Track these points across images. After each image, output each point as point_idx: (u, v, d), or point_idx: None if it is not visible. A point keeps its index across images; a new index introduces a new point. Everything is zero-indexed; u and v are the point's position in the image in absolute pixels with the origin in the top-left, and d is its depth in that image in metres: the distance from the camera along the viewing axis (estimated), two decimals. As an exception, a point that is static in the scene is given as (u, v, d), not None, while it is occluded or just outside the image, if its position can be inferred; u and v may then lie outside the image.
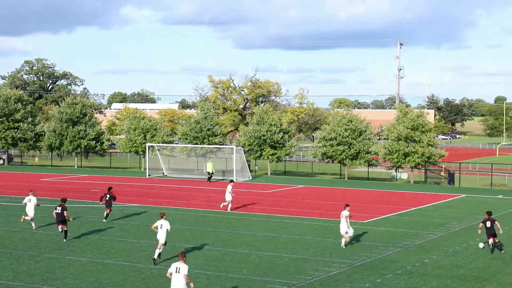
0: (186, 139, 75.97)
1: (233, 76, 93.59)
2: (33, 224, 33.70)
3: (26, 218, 33.63)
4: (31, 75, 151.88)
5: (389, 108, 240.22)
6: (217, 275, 24.40)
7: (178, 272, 19.76)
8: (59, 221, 30.79)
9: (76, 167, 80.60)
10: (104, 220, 35.98)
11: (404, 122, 67.28)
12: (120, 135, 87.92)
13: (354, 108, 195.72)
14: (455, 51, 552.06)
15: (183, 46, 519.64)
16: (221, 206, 41.27)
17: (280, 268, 25.68)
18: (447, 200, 50.40)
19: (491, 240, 29.35)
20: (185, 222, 36.71)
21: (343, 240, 30.21)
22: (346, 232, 30.09)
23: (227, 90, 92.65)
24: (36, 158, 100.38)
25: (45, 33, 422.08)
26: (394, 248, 30.19)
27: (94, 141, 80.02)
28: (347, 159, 69.89)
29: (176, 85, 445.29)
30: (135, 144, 77.59)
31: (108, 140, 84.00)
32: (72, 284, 22.67)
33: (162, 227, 26.53)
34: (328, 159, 72.41)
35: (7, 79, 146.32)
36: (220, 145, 75.74)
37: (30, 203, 33.90)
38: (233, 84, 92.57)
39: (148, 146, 70.01)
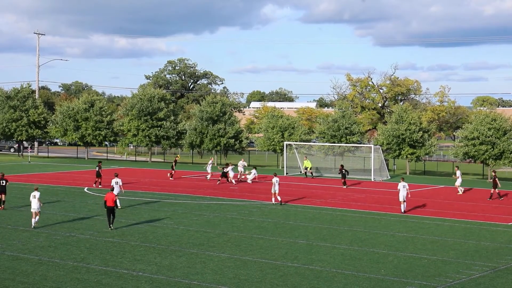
0: (324, 137, 75.98)
1: (371, 74, 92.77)
2: None
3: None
4: (173, 75, 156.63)
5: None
6: (355, 274, 24.20)
7: (404, 187, 39.91)
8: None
9: (215, 164, 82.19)
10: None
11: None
12: (258, 133, 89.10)
13: (498, 107, 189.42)
14: None
15: (322, 45, 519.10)
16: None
17: (420, 270, 25.15)
18: None
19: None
20: (322, 221, 36.67)
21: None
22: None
23: (365, 89, 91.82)
24: (178, 155, 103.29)
25: (188, 33, 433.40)
26: (541, 253, 28.87)
27: (233, 139, 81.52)
28: (490, 159, 67.67)
29: (314, 84, 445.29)
30: (273, 143, 78.42)
31: (247, 138, 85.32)
32: (212, 279, 23.12)
33: None
34: (470, 159, 70.38)
35: (151, 78, 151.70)
36: (358, 144, 75.19)
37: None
38: (372, 82, 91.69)
39: (286, 144, 70.51)
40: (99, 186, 50.33)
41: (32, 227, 32.56)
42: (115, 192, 38.74)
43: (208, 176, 59.72)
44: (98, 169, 51.30)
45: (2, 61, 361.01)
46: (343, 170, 56.92)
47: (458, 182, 52.49)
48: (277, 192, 43.12)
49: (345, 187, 55.32)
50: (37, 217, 33.04)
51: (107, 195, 32.87)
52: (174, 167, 61.04)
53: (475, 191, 54.81)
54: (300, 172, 68.11)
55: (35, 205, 32.99)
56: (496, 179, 48.50)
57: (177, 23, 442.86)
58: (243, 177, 58.51)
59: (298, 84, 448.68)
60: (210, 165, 60.88)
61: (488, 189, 54.50)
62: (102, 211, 38.27)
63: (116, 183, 40.08)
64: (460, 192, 51.90)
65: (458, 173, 52.90)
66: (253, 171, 57.88)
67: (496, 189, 48.53)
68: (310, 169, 63.61)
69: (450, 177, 71.87)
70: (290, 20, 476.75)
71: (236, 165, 59.57)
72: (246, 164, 60.88)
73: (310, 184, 57.45)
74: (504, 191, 51.81)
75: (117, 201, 37.60)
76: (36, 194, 33.30)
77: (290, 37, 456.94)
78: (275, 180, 43.01)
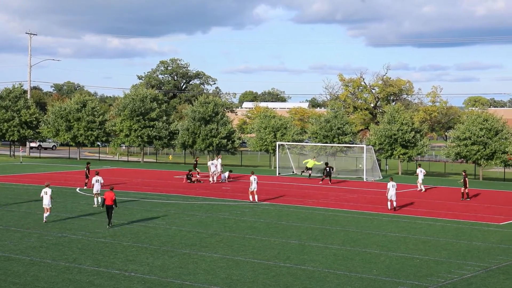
0: (316, 138, 76.02)
1: (364, 74, 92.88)
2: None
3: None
4: (166, 75, 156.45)
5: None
6: (347, 274, 24.22)
7: (394, 187, 40.77)
8: None
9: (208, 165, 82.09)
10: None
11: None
12: (250, 133, 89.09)
13: (489, 107, 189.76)
14: None
15: (315, 45, 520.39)
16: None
17: (412, 270, 25.18)
18: None
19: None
20: (315, 221, 36.68)
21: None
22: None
23: (358, 89, 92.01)
24: (170, 156, 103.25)
25: (181, 34, 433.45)
26: (532, 252, 28.94)
27: (226, 140, 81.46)
28: (482, 159, 67.83)
29: (306, 84, 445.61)
30: (265, 143, 78.40)
31: (239, 138, 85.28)
32: (204, 280, 23.10)
33: None
34: (462, 159, 70.56)
35: (143, 79, 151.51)
36: (350, 144, 75.27)
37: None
38: (364, 82, 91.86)
39: (278, 144, 70.52)
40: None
41: (44, 222, 33.97)
42: (95, 190, 40.03)
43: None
44: (87, 170, 51.19)
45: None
46: (327, 169, 58.16)
47: (420, 179, 52.92)
48: (255, 190, 43.83)
49: (330, 184, 56.75)
50: (48, 212, 34.25)
51: (106, 194, 33.39)
52: (196, 168, 61.34)
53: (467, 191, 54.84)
54: (293, 172, 68.14)
55: (46, 201, 34.14)
56: (466, 179, 48.63)
57: (169, 23, 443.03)
58: (216, 176, 57.44)
59: (291, 85, 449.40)
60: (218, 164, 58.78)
61: (479, 189, 54.77)
62: (94, 211, 38.26)
63: (97, 181, 40.23)
64: (419, 189, 52.77)
65: (418, 170, 53.49)
66: (225, 173, 58.53)
67: (466, 189, 48.45)
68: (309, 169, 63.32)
69: (442, 177, 72.10)
70: (282, 20, 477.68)
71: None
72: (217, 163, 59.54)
73: (303, 184, 57.47)
74: (477, 190, 51.95)
75: (95, 199, 39.87)
76: (48, 190, 34.39)
77: (283, 38, 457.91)
78: (252, 178, 43.72)
